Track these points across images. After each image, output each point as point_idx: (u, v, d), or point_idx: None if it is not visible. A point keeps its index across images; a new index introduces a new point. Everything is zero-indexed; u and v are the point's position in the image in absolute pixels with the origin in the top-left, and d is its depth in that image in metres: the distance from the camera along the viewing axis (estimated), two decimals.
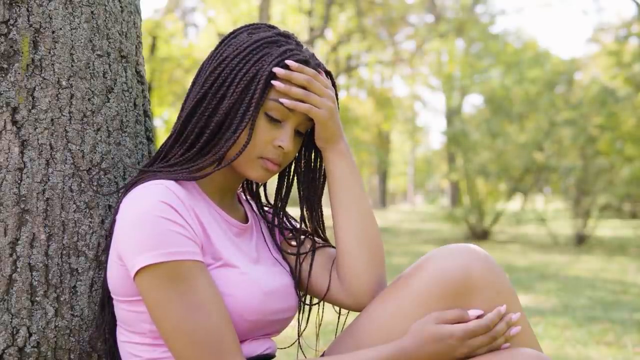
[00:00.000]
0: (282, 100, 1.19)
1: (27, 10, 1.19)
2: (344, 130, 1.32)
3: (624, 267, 7.25)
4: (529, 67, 11.88)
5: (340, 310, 1.37)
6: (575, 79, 13.18)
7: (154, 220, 1.07)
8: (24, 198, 1.18)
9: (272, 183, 1.40)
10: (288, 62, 1.19)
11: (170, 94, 16.43)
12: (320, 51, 17.11)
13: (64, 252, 1.21)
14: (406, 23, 20.75)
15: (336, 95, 1.30)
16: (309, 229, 1.37)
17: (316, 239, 1.37)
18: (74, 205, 1.23)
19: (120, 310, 1.17)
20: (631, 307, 4.47)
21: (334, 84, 1.31)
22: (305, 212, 1.37)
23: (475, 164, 11.49)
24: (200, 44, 17.56)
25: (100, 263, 1.26)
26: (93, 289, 1.25)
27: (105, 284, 1.21)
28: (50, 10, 1.22)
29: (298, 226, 1.39)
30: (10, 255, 1.16)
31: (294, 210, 1.44)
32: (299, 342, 1.38)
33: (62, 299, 1.21)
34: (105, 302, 1.23)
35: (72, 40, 1.24)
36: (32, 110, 1.20)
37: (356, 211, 1.28)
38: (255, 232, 1.33)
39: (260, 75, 1.18)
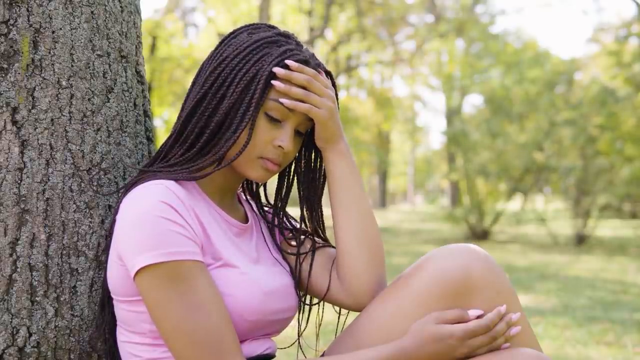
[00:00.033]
0: (282, 100, 1.19)
1: (27, 10, 1.19)
2: (344, 130, 1.32)
3: (624, 267, 7.25)
4: (529, 67, 11.88)
5: (340, 310, 1.37)
6: (575, 79, 13.18)
7: (154, 220, 1.07)
8: (24, 198, 1.18)
9: (272, 183, 1.40)
10: (288, 62, 1.19)
11: (170, 94, 16.43)
12: (320, 51, 17.11)
13: (64, 252, 1.21)
14: (406, 23, 20.75)
15: (336, 95, 1.30)
16: (309, 229, 1.37)
17: (316, 239, 1.37)
18: (74, 205, 1.23)
19: (120, 310, 1.17)
20: (631, 307, 4.47)
21: (334, 84, 1.31)
22: (305, 212, 1.37)
23: (475, 164, 11.49)
24: (200, 44, 17.56)
25: (100, 263, 1.26)
26: (93, 289, 1.25)
27: (105, 284, 1.21)
28: (50, 10, 1.22)
29: (298, 226, 1.39)
30: (10, 255, 1.16)
31: (294, 210, 1.44)
32: (299, 342, 1.38)
33: (62, 299, 1.21)
34: (105, 302, 1.23)
35: (72, 40, 1.24)
36: (32, 110, 1.20)
37: (356, 211, 1.28)
38: (255, 232, 1.33)
39: (260, 75, 1.18)
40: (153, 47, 14.90)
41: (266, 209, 1.43)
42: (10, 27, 1.18)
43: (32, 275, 1.18)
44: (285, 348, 1.46)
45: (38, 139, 1.20)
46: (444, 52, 19.49)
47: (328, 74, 1.30)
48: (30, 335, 1.17)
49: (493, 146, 11.39)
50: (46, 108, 1.21)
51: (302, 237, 1.36)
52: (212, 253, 1.16)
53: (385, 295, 1.23)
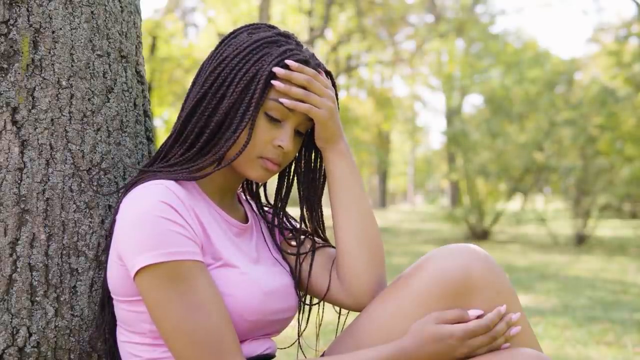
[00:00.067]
0: (282, 100, 1.19)
1: (27, 10, 1.19)
2: (344, 130, 1.32)
3: (624, 267, 7.25)
4: (529, 67, 11.88)
5: (340, 310, 1.37)
6: (575, 79, 13.18)
7: (154, 220, 1.07)
8: (24, 198, 1.18)
9: (272, 183, 1.40)
10: (288, 62, 1.19)
11: (170, 94, 16.43)
12: (320, 51, 17.11)
13: (64, 252, 1.21)
14: (406, 23, 20.75)
15: (336, 95, 1.30)
16: (309, 229, 1.37)
17: (316, 239, 1.37)
18: (74, 205, 1.23)
19: (120, 310, 1.17)
20: (631, 307, 4.47)
21: (334, 84, 1.31)
22: (305, 212, 1.37)
23: (475, 164, 11.49)
24: (200, 44, 17.56)
25: (100, 263, 1.26)
26: (93, 289, 1.25)
27: (105, 284, 1.21)
28: (50, 10, 1.22)
29: (298, 226, 1.39)
30: (10, 255, 1.16)
31: (294, 210, 1.44)
32: (299, 342, 1.38)
33: (62, 299, 1.21)
34: (105, 302, 1.23)
35: (72, 40, 1.24)
36: (32, 110, 1.20)
37: (356, 211, 1.28)
38: (255, 232, 1.33)
39: (260, 75, 1.18)
40: (153, 47, 14.90)
41: (266, 209, 1.43)
42: (10, 27, 1.18)
43: (32, 275, 1.18)
44: (285, 348, 1.46)
45: (38, 139, 1.20)
46: (444, 52, 19.49)
47: (328, 74, 1.30)
48: (30, 335, 1.17)
49: (493, 146, 11.39)
50: (46, 108, 1.21)
51: (302, 237, 1.36)
52: (212, 253, 1.16)
53: (385, 295, 1.23)
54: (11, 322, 1.16)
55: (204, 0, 18.82)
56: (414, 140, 29.60)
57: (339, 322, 1.38)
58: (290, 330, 1.43)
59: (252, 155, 1.20)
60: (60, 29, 1.23)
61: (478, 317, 1.16)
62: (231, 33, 1.26)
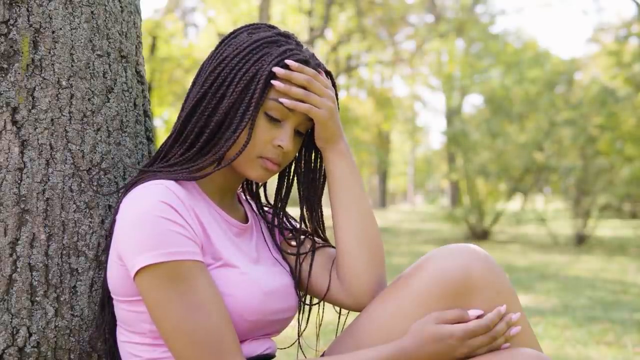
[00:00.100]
0: (282, 100, 1.19)
1: (27, 10, 1.19)
2: (344, 130, 1.32)
3: (624, 267, 7.25)
4: (529, 67, 11.88)
5: (340, 310, 1.37)
6: (575, 79, 13.18)
7: (154, 220, 1.07)
8: (24, 198, 1.18)
9: (272, 183, 1.40)
10: (288, 61, 1.19)
11: (170, 94, 16.43)
12: (320, 51, 17.11)
13: (64, 252, 1.21)
14: (406, 23, 20.75)
15: (336, 95, 1.30)
16: (309, 229, 1.37)
17: (316, 239, 1.37)
18: (74, 205, 1.23)
19: (120, 310, 1.17)
20: (631, 307, 4.47)
21: (334, 84, 1.31)
22: (305, 212, 1.37)
23: (475, 164, 11.49)
24: (200, 44, 17.56)
25: (100, 263, 1.26)
26: (93, 289, 1.25)
27: (105, 284, 1.21)
28: (50, 10, 1.22)
29: (298, 226, 1.39)
30: (10, 255, 1.16)
31: (294, 210, 1.44)
32: (299, 342, 1.38)
33: (62, 299, 1.21)
34: (105, 302, 1.23)
35: (72, 40, 1.24)
36: (32, 110, 1.20)
37: (356, 211, 1.28)
38: (255, 232, 1.33)
39: (260, 74, 1.18)
40: (153, 47, 14.90)
41: (266, 209, 1.43)
42: (10, 27, 1.18)
43: (32, 275, 1.18)
44: (285, 348, 1.46)
45: (38, 139, 1.20)
46: (444, 52, 19.49)
47: (328, 74, 1.30)
48: (30, 335, 1.17)
49: (493, 146, 11.39)
50: (46, 108, 1.21)
51: (302, 237, 1.36)
52: (212, 253, 1.16)
53: (385, 295, 1.23)
54: (11, 322, 1.16)
55: (204, 0, 18.82)
56: (414, 140, 29.60)
57: (339, 322, 1.38)
58: (290, 330, 1.43)
59: (252, 155, 1.20)
60: (60, 29, 1.23)
61: (478, 317, 1.16)
62: (231, 33, 1.26)
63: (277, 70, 1.18)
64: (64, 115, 1.23)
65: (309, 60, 1.23)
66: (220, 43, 1.25)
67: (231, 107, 1.18)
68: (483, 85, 12.95)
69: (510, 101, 11.44)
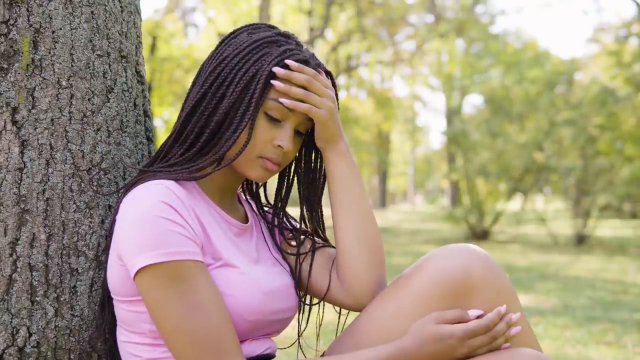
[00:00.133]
0: (282, 100, 1.19)
1: (27, 10, 1.19)
2: (344, 130, 1.32)
3: (624, 267, 7.25)
4: (529, 67, 11.88)
5: (340, 310, 1.37)
6: (575, 79, 13.19)
7: (154, 220, 1.07)
8: (24, 198, 1.18)
9: (272, 183, 1.40)
10: (288, 61, 1.19)
11: (170, 94, 16.43)
12: (320, 51, 17.11)
13: (64, 252, 1.21)
14: (406, 23, 20.75)
15: (336, 95, 1.30)
16: (309, 229, 1.37)
17: (316, 239, 1.37)
18: (74, 205, 1.23)
19: (120, 310, 1.17)
20: (631, 307, 4.47)
21: (334, 84, 1.31)
22: (305, 212, 1.37)
23: (475, 164, 11.49)
24: (200, 44, 17.56)
25: (100, 263, 1.26)
26: (93, 289, 1.25)
27: (105, 284, 1.21)
28: (50, 10, 1.22)
29: (298, 226, 1.39)
30: (10, 255, 1.16)
31: (294, 210, 1.44)
32: (299, 342, 1.38)
33: (62, 299, 1.21)
34: (105, 302, 1.23)
35: (72, 40, 1.24)
36: (32, 110, 1.20)
37: (356, 211, 1.28)
38: (255, 232, 1.33)
39: (260, 74, 1.18)
40: (153, 47, 14.90)
41: (266, 209, 1.43)
42: (10, 27, 1.18)
43: (32, 275, 1.18)
44: (285, 348, 1.46)
45: (38, 139, 1.20)
46: (444, 52, 19.49)
47: (328, 74, 1.30)
48: (30, 335, 1.17)
49: (493, 146, 11.39)
50: (46, 108, 1.21)
51: (302, 237, 1.36)
52: (212, 253, 1.16)
53: (385, 295, 1.23)
54: (11, 322, 1.16)
55: (204, 0, 18.82)
56: (414, 140, 29.60)
57: (339, 322, 1.38)
58: (290, 330, 1.43)
59: (252, 155, 1.20)
60: (60, 29, 1.23)
61: (478, 317, 1.16)
62: (231, 33, 1.26)
63: (277, 70, 1.18)
64: (64, 115, 1.23)
65: (309, 60, 1.23)
66: (220, 43, 1.25)
67: (231, 107, 1.18)
68: (483, 85, 12.95)
69: (510, 101, 11.44)
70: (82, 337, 1.23)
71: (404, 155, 34.78)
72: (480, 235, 11.24)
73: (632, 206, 12.33)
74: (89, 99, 1.26)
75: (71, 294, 1.22)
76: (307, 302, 1.35)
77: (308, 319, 1.35)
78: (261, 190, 1.42)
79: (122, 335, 1.19)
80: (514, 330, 1.16)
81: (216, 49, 1.25)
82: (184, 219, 1.10)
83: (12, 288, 1.16)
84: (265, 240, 1.34)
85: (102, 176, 1.27)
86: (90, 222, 1.25)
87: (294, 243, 1.36)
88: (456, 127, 12.72)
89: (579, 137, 10.37)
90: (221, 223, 1.23)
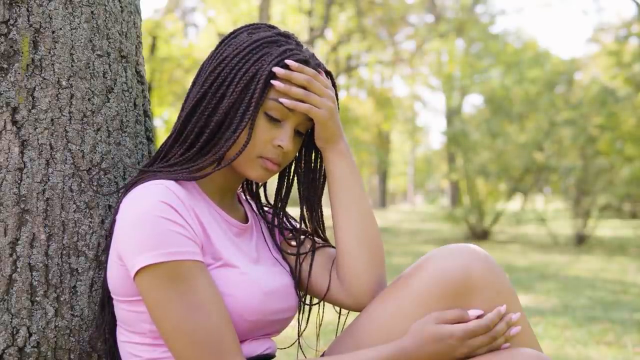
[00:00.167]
0: (282, 100, 1.19)
1: (27, 10, 1.19)
2: (344, 130, 1.32)
3: (624, 267, 7.25)
4: (529, 67, 11.88)
5: (340, 310, 1.37)
6: (575, 79, 13.19)
7: (154, 220, 1.07)
8: (24, 198, 1.18)
9: (272, 183, 1.40)
10: (288, 61, 1.19)
11: (170, 94, 16.43)
12: (320, 51, 17.11)
13: (64, 252, 1.21)
14: (406, 23, 20.75)
15: (336, 95, 1.30)
16: (309, 229, 1.37)
17: (316, 239, 1.37)
18: (74, 205, 1.23)
19: (120, 310, 1.17)
20: (631, 307, 4.47)
21: (334, 84, 1.31)
22: (305, 212, 1.37)
23: (475, 164, 11.49)
24: (200, 44, 17.56)
25: (100, 263, 1.26)
26: (93, 289, 1.25)
27: (105, 284, 1.21)
28: (50, 10, 1.22)
29: (298, 226, 1.39)
30: (10, 255, 1.16)
31: (294, 210, 1.44)
32: (299, 342, 1.38)
33: (62, 299, 1.21)
34: (105, 302, 1.23)
35: (72, 40, 1.24)
36: (32, 110, 1.20)
37: (356, 211, 1.28)
38: (255, 232, 1.33)
39: (260, 74, 1.18)
40: (153, 47, 14.90)
41: (266, 209, 1.43)
42: (10, 27, 1.18)
43: (32, 275, 1.18)
44: (285, 348, 1.46)
45: (38, 139, 1.20)
46: (444, 52, 19.49)
47: (328, 74, 1.30)
48: (30, 335, 1.17)
49: (493, 146, 11.39)
50: (46, 108, 1.21)
51: (302, 237, 1.36)
52: (212, 253, 1.16)
53: (385, 295, 1.23)
54: (11, 322, 1.16)
55: (204, 0, 18.82)
56: (414, 140, 29.60)
57: (339, 322, 1.38)
58: (290, 330, 1.43)
59: (252, 155, 1.20)
60: (60, 29, 1.23)
61: (478, 317, 1.16)
62: (231, 33, 1.26)
63: (277, 70, 1.18)
64: (64, 115, 1.23)
65: (309, 60, 1.23)
66: (220, 43, 1.25)
67: (231, 107, 1.18)
68: (483, 85, 12.96)
69: (510, 101, 11.44)
70: (82, 337, 1.23)
71: (404, 155, 34.78)
72: (480, 235, 11.24)
73: (632, 206, 12.33)
74: (89, 99, 1.26)
75: (71, 294, 1.22)
76: (307, 302, 1.35)
77: (308, 319, 1.35)
78: (261, 190, 1.42)
79: (122, 335, 1.19)
80: (514, 330, 1.16)
81: (216, 49, 1.25)
82: (184, 219, 1.10)
83: (12, 288, 1.16)
84: (265, 240, 1.34)
85: (102, 176, 1.27)
86: (90, 222, 1.25)
87: (294, 243, 1.36)
88: (456, 127, 12.72)
89: (579, 137, 10.38)
90: (221, 223, 1.23)
